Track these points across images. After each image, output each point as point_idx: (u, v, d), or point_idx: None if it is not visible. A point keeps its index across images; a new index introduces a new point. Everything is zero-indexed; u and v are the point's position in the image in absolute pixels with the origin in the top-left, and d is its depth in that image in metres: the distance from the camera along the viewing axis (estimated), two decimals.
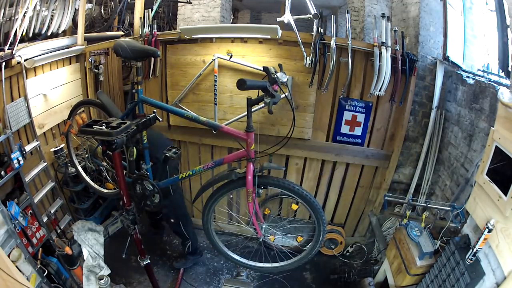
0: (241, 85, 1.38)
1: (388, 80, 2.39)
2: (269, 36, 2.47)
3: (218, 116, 2.72)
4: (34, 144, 2.31)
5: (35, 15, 2.69)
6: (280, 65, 1.66)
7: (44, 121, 2.45)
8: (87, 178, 2.34)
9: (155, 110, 1.82)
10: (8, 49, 2.10)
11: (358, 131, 2.66)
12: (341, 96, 2.57)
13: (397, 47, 2.41)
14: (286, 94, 2.60)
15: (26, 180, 2.18)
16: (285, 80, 1.59)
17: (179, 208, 2.62)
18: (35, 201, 2.26)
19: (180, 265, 2.79)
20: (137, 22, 3.07)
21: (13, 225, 1.79)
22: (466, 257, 1.51)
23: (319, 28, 2.40)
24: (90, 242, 2.44)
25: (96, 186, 2.33)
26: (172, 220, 2.63)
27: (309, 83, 2.50)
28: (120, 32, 3.90)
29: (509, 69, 2.06)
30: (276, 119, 2.62)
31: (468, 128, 2.15)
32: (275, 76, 1.50)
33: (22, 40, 2.43)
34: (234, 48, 2.58)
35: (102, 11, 4.08)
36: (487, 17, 2.44)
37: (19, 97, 2.20)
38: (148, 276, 2.08)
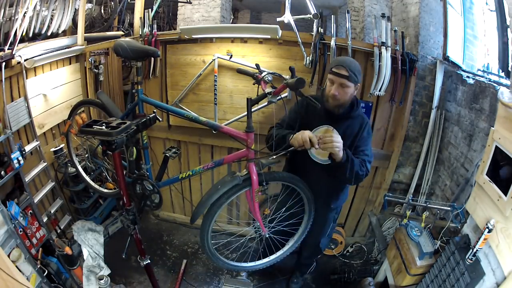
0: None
1: (388, 80, 2.38)
2: (269, 36, 2.47)
3: (218, 116, 2.72)
4: (34, 144, 2.31)
5: (35, 15, 2.69)
6: (292, 69, 1.57)
7: (44, 121, 2.45)
8: (87, 178, 2.34)
9: (155, 110, 1.82)
10: (8, 49, 2.10)
11: None
12: None
13: (397, 47, 2.41)
14: (286, 94, 2.61)
15: (26, 180, 2.18)
16: (270, 78, 1.62)
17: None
18: (35, 201, 2.26)
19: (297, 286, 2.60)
20: (137, 22, 3.07)
21: (13, 225, 1.79)
22: (466, 257, 1.51)
23: (319, 28, 2.41)
24: (90, 242, 2.44)
25: (96, 186, 2.33)
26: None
27: (309, 83, 2.50)
28: (120, 32, 3.90)
29: (509, 69, 2.06)
30: (276, 119, 2.62)
31: (468, 128, 2.15)
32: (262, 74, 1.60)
33: (22, 40, 2.43)
34: (234, 48, 2.58)
35: (102, 11, 4.08)
36: (487, 17, 2.44)
37: (19, 97, 2.20)
38: (148, 276, 2.08)
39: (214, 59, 2.57)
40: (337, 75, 1.62)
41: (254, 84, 1.65)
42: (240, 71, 1.81)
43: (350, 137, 1.74)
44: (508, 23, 2.09)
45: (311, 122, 1.73)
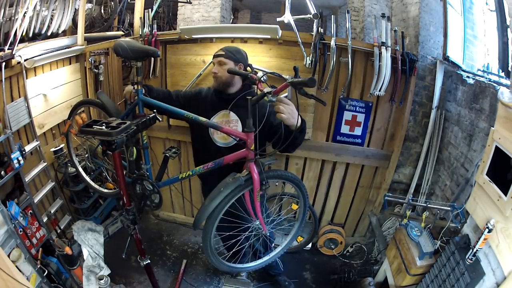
0: None
1: (388, 80, 2.38)
2: (269, 36, 2.47)
3: None
4: (34, 144, 2.31)
5: (35, 15, 2.69)
6: (296, 68, 1.57)
7: (44, 121, 2.45)
8: (87, 178, 2.34)
9: (155, 110, 1.82)
10: (8, 49, 2.10)
11: (358, 131, 2.66)
12: (341, 96, 2.57)
13: (397, 47, 2.41)
14: (286, 94, 2.61)
15: (26, 180, 2.18)
16: (265, 78, 1.64)
17: None
18: (35, 201, 2.26)
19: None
20: (137, 22, 3.06)
21: (13, 225, 1.79)
22: (466, 257, 1.51)
23: (319, 28, 2.40)
24: (90, 242, 2.44)
25: (96, 186, 2.32)
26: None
27: None
28: (120, 32, 3.90)
29: (509, 69, 2.06)
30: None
31: (468, 128, 2.15)
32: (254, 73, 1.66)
33: (22, 40, 2.43)
34: None
35: (102, 11, 4.08)
36: (487, 17, 2.44)
37: (19, 97, 2.20)
38: (148, 276, 2.08)
39: None
40: (215, 56, 1.86)
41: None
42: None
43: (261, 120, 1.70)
44: (508, 23, 2.09)
45: (206, 110, 1.86)
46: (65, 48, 2.58)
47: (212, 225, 1.70)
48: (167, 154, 1.87)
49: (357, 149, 2.70)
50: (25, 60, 2.17)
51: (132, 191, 1.92)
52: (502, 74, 2.13)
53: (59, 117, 2.60)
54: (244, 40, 2.58)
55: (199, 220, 1.68)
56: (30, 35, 2.72)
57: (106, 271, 2.32)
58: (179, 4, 4.33)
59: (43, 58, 2.32)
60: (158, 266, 2.75)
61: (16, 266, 1.64)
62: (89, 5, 3.84)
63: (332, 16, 2.59)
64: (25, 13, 2.35)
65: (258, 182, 1.62)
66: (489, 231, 1.39)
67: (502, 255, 1.34)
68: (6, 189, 2.11)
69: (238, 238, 1.89)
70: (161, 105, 1.81)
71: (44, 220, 2.33)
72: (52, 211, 2.47)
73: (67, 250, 2.23)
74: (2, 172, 1.97)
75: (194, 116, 1.73)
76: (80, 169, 2.32)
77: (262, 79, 1.59)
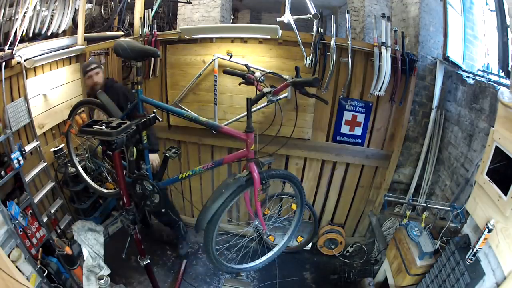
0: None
1: (388, 80, 2.39)
2: (269, 36, 2.47)
3: (218, 116, 2.72)
4: (34, 144, 2.31)
5: (35, 15, 2.69)
6: (297, 68, 1.61)
7: (44, 121, 2.45)
8: (87, 178, 2.34)
9: (155, 110, 1.82)
10: (8, 49, 2.10)
11: (358, 131, 2.66)
12: (341, 96, 2.57)
13: (397, 47, 2.41)
14: (286, 94, 2.61)
15: (26, 180, 2.18)
16: (263, 78, 1.70)
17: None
18: (35, 201, 2.26)
19: (184, 250, 2.85)
20: (137, 22, 3.06)
21: (13, 225, 1.78)
22: (466, 257, 1.51)
23: (319, 28, 2.41)
24: (90, 242, 2.44)
25: (96, 186, 2.32)
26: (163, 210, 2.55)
27: None
28: (120, 32, 3.90)
29: (509, 69, 2.06)
30: (276, 119, 2.62)
31: (468, 128, 2.15)
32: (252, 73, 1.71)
33: (22, 40, 2.43)
34: (234, 48, 2.58)
35: (102, 11, 4.08)
36: (487, 17, 2.44)
37: (19, 97, 2.20)
38: (148, 276, 2.08)
39: (214, 59, 2.57)
40: (92, 69, 2.29)
41: (240, 84, 1.74)
42: (227, 72, 1.80)
43: (119, 101, 2.16)
44: (508, 23, 2.09)
45: None
46: (65, 48, 2.58)
47: (214, 227, 1.69)
48: (167, 154, 1.87)
49: (357, 149, 2.70)
50: (25, 60, 2.17)
51: (132, 191, 1.92)
52: (502, 74, 2.12)
53: (59, 117, 2.60)
54: (244, 40, 2.58)
55: (202, 222, 1.66)
56: (30, 35, 2.72)
57: (106, 271, 2.31)
58: (179, 4, 4.32)
59: (43, 58, 2.32)
60: (158, 266, 2.75)
61: (16, 266, 1.64)
62: (89, 5, 3.84)
63: (332, 16, 2.60)
64: (25, 13, 2.34)
65: (259, 181, 1.62)
66: (489, 231, 1.39)
67: (502, 255, 1.34)
68: (6, 189, 2.11)
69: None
70: (161, 105, 1.81)
71: (44, 220, 2.33)
72: (52, 211, 2.47)
73: (67, 250, 2.23)
74: (2, 172, 1.97)
75: (194, 116, 1.74)
76: (80, 169, 2.31)
77: (260, 79, 1.61)
